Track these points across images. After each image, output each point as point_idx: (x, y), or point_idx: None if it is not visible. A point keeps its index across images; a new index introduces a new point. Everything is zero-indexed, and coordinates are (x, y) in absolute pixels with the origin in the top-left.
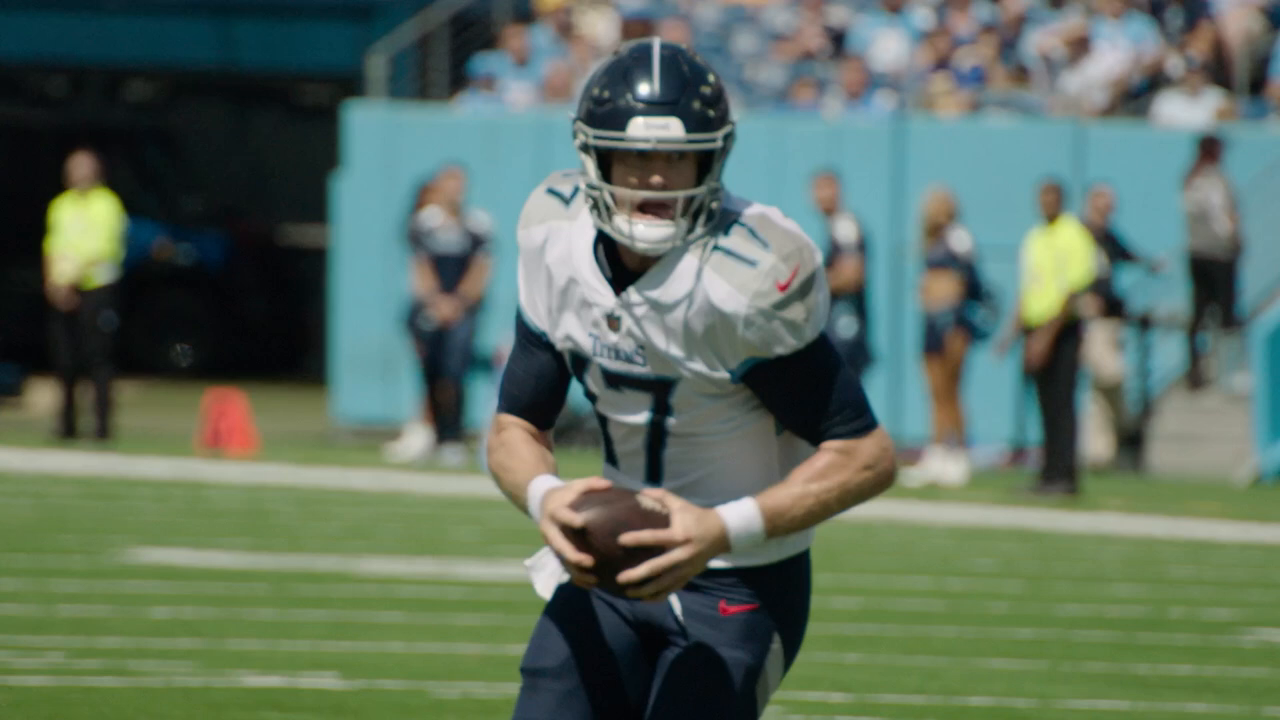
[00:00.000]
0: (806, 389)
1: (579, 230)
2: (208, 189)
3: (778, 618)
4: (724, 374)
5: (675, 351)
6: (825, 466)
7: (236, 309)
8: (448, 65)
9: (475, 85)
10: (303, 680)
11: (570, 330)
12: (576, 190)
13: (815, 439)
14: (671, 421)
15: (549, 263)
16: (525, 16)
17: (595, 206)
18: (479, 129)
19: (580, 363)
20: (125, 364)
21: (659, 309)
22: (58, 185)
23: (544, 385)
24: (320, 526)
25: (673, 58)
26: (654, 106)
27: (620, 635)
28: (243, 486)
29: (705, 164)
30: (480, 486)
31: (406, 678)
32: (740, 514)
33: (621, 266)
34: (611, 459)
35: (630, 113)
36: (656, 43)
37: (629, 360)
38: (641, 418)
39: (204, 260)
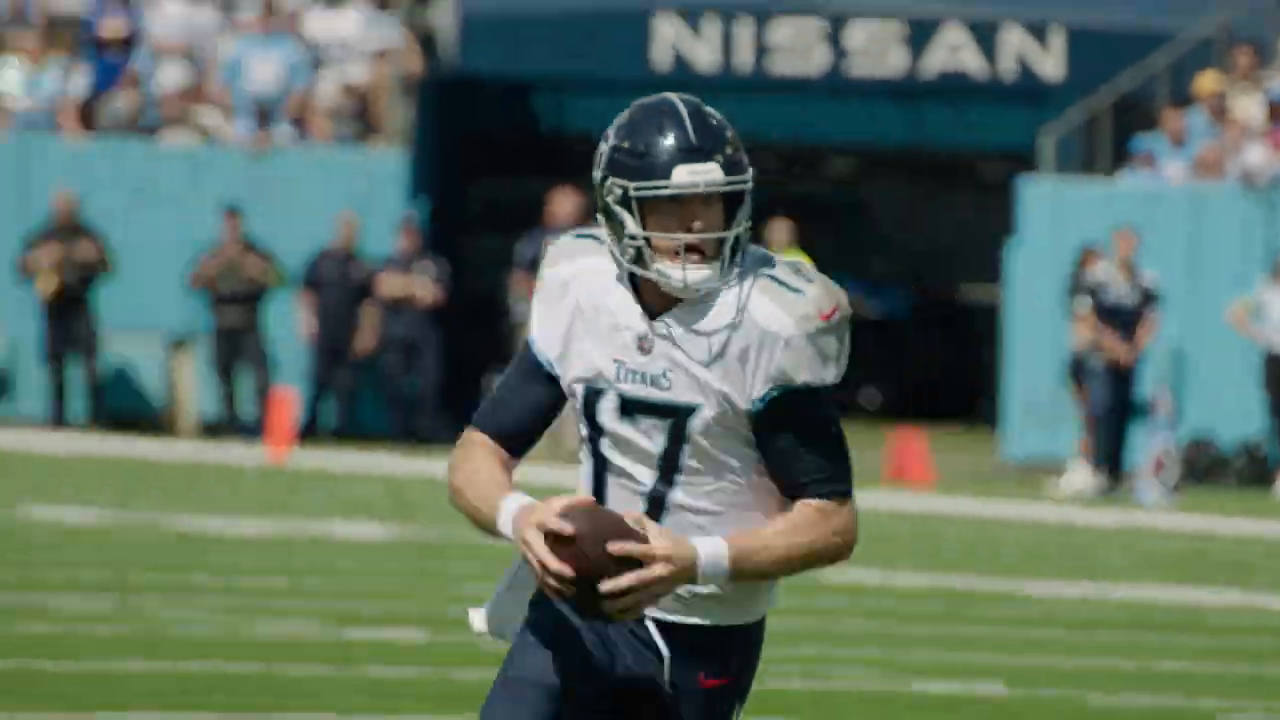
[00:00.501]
0: (809, 435)
1: (609, 265)
2: (895, 252)
3: (741, 690)
4: (746, 405)
5: (707, 372)
6: (800, 522)
7: (918, 358)
8: (1111, 144)
9: (1135, 162)
10: (972, 688)
11: (592, 359)
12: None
13: (796, 492)
14: (685, 457)
15: (578, 294)
16: (1183, 100)
17: (637, 257)
18: (1138, 200)
19: (592, 396)
20: None
21: (698, 332)
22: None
23: (531, 416)
24: (990, 551)
25: (697, 109)
26: (694, 154)
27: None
28: (920, 515)
29: (731, 206)
30: (1138, 518)
31: (1065, 687)
32: (712, 548)
33: (648, 305)
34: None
35: (672, 162)
36: (674, 97)
37: (654, 383)
38: (656, 448)
39: (890, 314)
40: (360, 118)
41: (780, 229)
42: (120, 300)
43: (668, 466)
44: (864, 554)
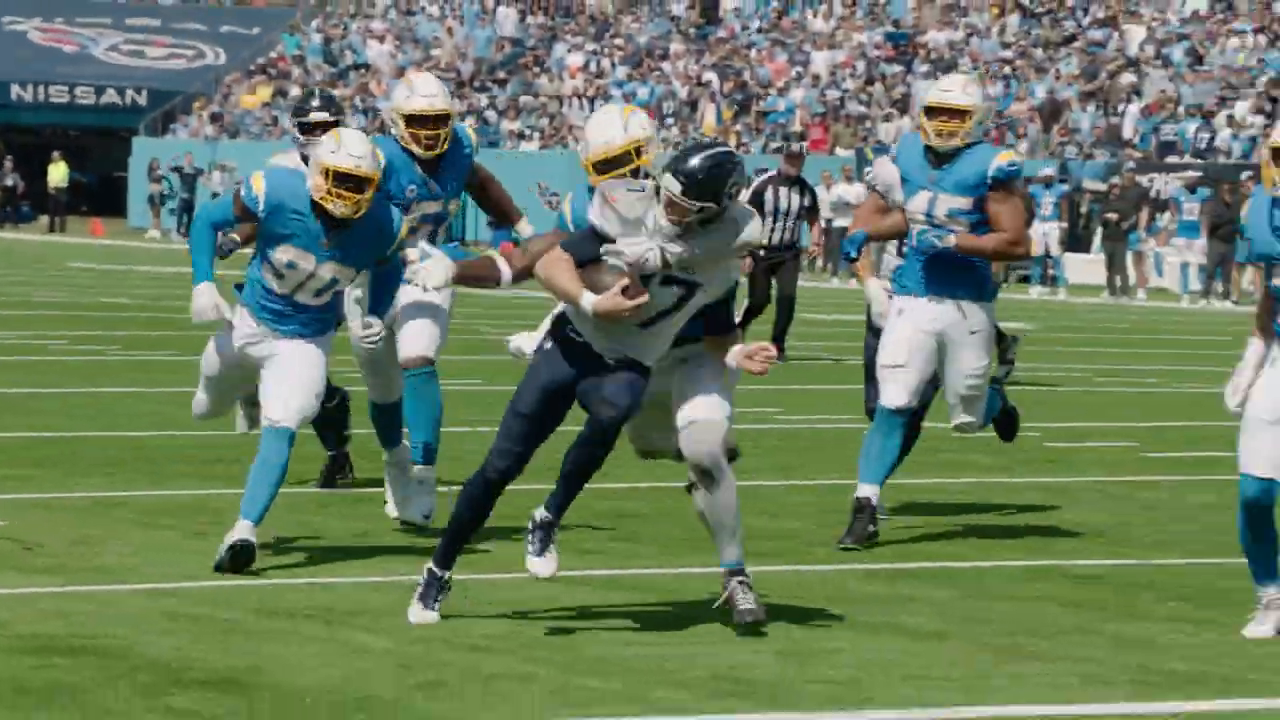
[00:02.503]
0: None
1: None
2: None
3: None
4: (731, 277)
5: (713, 265)
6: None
7: None
8: None
9: None
10: None
11: (643, 247)
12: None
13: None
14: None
15: (644, 217)
16: None
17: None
18: None
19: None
20: None
21: (717, 243)
22: None
23: (590, 258)
24: None
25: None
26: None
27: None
28: None
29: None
30: None
31: None
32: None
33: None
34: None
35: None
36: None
37: (682, 266)
38: (669, 301)
39: None
40: None
41: None
42: None
43: (679, 306)
44: None
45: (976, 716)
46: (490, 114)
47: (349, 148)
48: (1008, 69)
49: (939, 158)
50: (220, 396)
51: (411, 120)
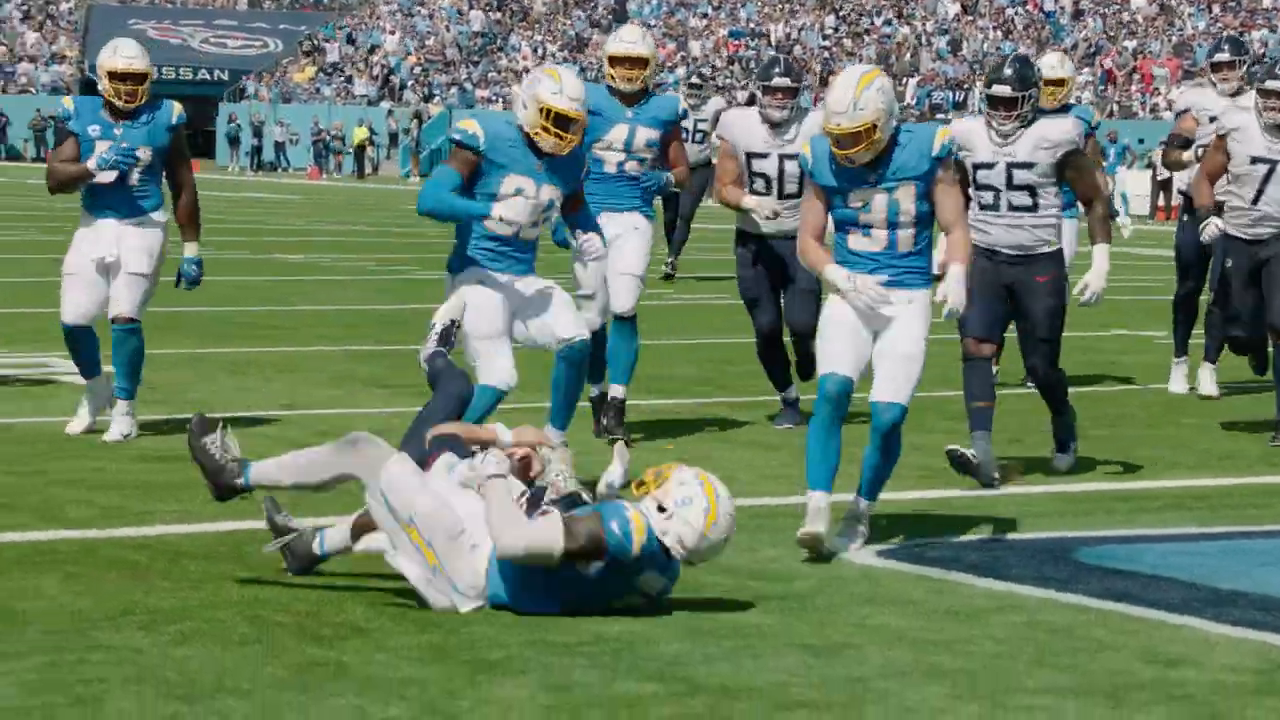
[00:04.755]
0: None
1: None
2: None
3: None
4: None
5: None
6: None
7: None
8: None
9: None
10: None
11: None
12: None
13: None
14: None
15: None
16: None
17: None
18: None
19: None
20: None
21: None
22: None
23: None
24: None
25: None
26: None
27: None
28: None
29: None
30: None
31: None
32: None
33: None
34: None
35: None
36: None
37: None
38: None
39: None
40: None
41: None
42: None
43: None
44: None
45: None
46: (468, 85)
47: (570, 91)
48: None
49: None
50: (508, 349)
51: (614, 61)
